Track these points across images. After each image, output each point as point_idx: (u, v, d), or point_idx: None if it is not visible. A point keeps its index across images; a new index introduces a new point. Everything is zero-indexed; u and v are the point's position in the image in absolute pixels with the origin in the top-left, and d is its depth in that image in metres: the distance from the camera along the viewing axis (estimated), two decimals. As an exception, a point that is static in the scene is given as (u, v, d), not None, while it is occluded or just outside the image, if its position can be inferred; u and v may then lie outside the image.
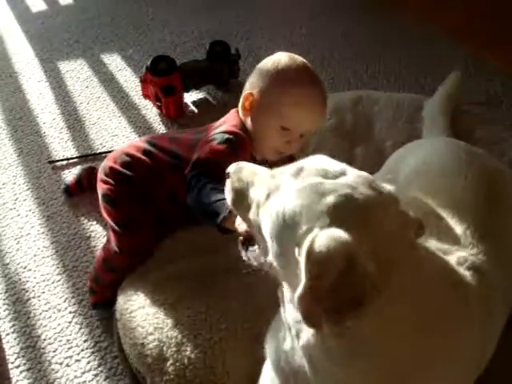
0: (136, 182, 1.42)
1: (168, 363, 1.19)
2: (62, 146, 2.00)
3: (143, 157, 1.43)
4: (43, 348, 1.38)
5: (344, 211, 0.78)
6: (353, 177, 0.84)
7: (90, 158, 1.93)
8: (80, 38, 2.67)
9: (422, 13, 2.71)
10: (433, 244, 1.02)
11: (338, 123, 1.79)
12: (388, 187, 0.87)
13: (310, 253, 0.73)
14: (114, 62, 2.47)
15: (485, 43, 2.44)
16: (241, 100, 1.40)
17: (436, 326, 0.84)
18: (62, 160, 1.93)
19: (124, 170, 1.42)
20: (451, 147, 1.37)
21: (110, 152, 1.92)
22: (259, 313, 1.19)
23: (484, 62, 2.37)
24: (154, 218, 1.43)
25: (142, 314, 1.28)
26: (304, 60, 1.40)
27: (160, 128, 2.06)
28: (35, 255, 1.60)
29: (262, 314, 1.10)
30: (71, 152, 1.97)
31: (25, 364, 1.35)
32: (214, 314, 1.25)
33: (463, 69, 2.32)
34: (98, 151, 1.96)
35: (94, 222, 1.69)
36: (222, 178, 1.11)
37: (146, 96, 2.14)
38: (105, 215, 1.45)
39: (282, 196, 0.85)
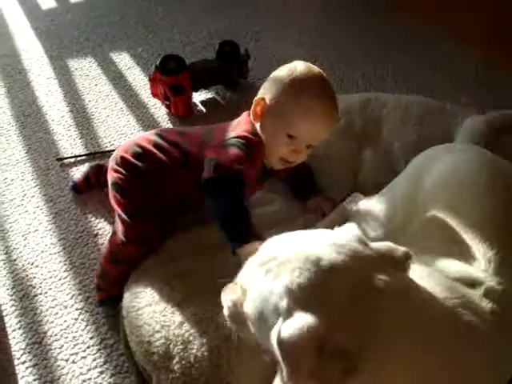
0: (146, 173, 1.42)
1: (174, 361, 1.19)
2: (70, 143, 2.00)
3: (154, 149, 1.44)
4: (49, 344, 1.39)
5: (302, 291, 0.77)
6: (323, 247, 0.82)
7: (98, 155, 1.94)
8: (89, 35, 2.67)
9: (427, 13, 2.70)
10: (455, 270, 1.01)
11: (347, 125, 1.78)
12: (375, 245, 0.86)
13: (281, 346, 0.73)
14: (123, 61, 2.47)
15: (491, 44, 2.44)
16: (253, 105, 1.40)
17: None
18: (70, 157, 1.93)
19: (135, 161, 1.43)
20: (480, 157, 1.33)
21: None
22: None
23: (492, 62, 2.36)
24: (159, 210, 1.44)
25: (149, 312, 1.29)
26: (320, 71, 1.39)
27: (168, 127, 2.06)
28: (42, 252, 1.61)
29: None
30: (79, 149, 1.97)
31: (31, 360, 1.36)
32: (220, 313, 1.25)
33: (472, 70, 2.32)
34: (106, 149, 1.96)
35: (102, 220, 1.69)
36: (241, 186, 1.29)
37: (154, 95, 2.14)
38: (113, 204, 1.45)
39: (249, 294, 0.86)
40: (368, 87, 2.27)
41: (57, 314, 1.45)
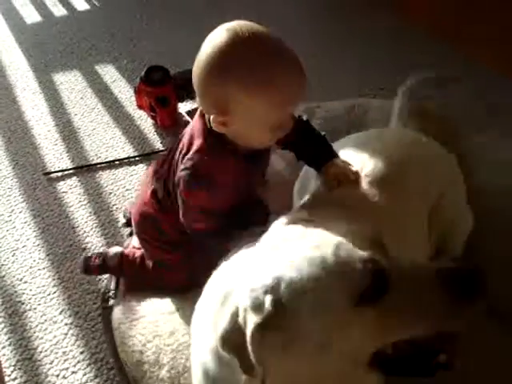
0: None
1: (164, 370, 1.22)
2: (56, 157, 2.01)
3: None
4: (40, 360, 1.39)
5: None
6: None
7: (85, 169, 1.94)
8: (74, 49, 2.68)
9: (414, 14, 2.71)
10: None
11: (332, 132, 1.79)
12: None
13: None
14: (109, 73, 2.48)
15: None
16: (212, 122, 1.12)
17: None
18: (57, 171, 1.93)
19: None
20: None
21: (104, 163, 1.94)
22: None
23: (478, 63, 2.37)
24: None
25: (143, 322, 1.32)
26: (249, 27, 1.06)
27: (154, 138, 2.07)
28: (31, 267, 1.61)
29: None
30: (66, 163, 1.97)
31: (21, 376, 1.36)
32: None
33: (462, 70, 2.33)
34: (93, 162, 1.96)
35: (90, 233, 1.69)
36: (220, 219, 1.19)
37: (140, 106, 2.15)
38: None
39: None
40: (352, 93, 2.27)
41: (46, 329, 1.45)
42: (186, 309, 1.30)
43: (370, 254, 0.81)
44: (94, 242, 1.66)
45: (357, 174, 1.20)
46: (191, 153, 1.18)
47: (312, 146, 1.31)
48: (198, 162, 1.16)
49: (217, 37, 1.05)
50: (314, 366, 0.81)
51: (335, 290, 0.78)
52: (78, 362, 1.38)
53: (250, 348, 0.77)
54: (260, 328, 0.77)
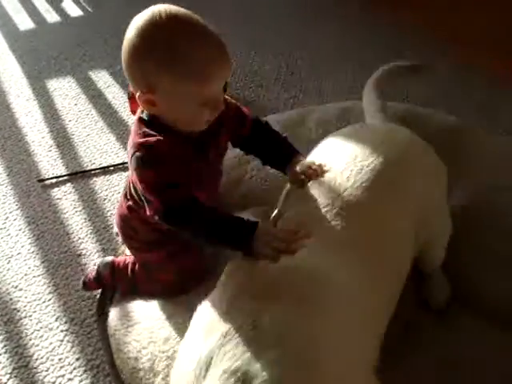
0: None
1: (159, 377, 1.21)
2: (51, 164, 2.01)
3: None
4: (35, 367, 1.38)
5: None
6: None
7: (79, 175, 1.94)
8: (68, 55, 2.68)
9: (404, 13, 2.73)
10: None
11: (326, 134, 1.79)
12: None
13: None
14: (103, 79, 2.48)
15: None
16: (139, 101, 1.17)
17: None
18: (51, 178, 1.93)
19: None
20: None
21: (99, 169, 1.94)
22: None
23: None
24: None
25: (138, 329, 1.31)
26: (171, 8, 1.12)
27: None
28: (26, 274, 1.61)
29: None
30: (61, 170, 1.97)
31: (17, 384, 1.36)
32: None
33: (453, 74, 2.34)
34: (88, 168, 1.96)
35: (85, 240, 1.69)
36: (189, 199, 1.14)
37: (134, 112, 2.14)
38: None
39: None
40: (347, 94, 2.28)
41: (42, 336, 1.45)
42: (181, 314, 1.30)
43: None
44: (89, 249, 1.66)
45: (322, 167, 1.20)
46: (136, 139, 1.19)
47: (273, 147, 1.35)
48: (143, 144, 1.17)
49: (140, 18, 1.12)
50: None
51: None
52: (74, 368, 1.37)
53: None
54: None
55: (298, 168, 1.24)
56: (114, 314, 1.39)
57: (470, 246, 1.39)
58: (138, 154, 1.16)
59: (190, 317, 1.26)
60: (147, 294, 1.40)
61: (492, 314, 1.29)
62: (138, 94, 1.14)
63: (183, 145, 1.21)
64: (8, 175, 1.97)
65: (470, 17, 2.62)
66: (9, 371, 1.38)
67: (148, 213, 1.20)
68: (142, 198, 1.21)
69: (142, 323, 1.32)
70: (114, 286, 1.49)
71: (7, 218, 1.80)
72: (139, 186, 1.19)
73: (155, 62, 1.09)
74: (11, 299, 1.54)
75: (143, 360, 1.24)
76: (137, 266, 1.44)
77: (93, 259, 1.62)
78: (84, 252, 1.66)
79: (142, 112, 1.24)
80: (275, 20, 2.93)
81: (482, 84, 2.23)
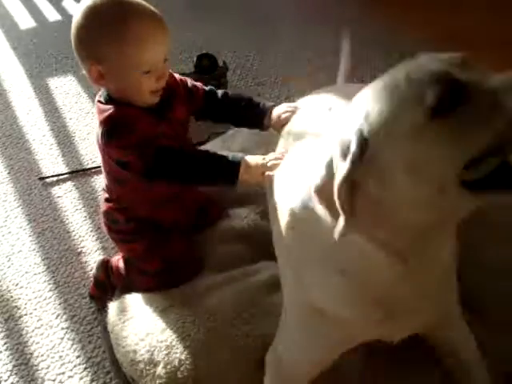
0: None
1: (159, 367, 1.22)
2: (52, 162, 2.01)
3: None
4: (36, 365, 1.39)
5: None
6: None
7: (80, 173, 1.94)
8: (69, 53, 2.66)
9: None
10: None
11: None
12: None
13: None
14: (103, 77, 2.48)
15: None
16: (88, 77, 1.28)
17: None
18: (52, 176, 1.94)
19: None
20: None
21: (100, 167, 1.93)
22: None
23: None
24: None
25: (135, 322, 1.32)
26: None
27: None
28: (27, 272, 1.61)
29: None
30: (61, 168, 1.98)
31: (18, 381, 1.36)
32: (202, 316, 1.29)
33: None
34: (88, 166, 1.97)
35: (85, 238, 1.70)
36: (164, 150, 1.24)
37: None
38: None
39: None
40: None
41: (42, 334, 1.45)
42: (176, 307, 1.32)
43: (443, 67, 0.78)
44: (90, 247, 1.67)
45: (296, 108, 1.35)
46: (99, 119, 1.30)
47: (240, 110, 1.44)
48: (108, 117, 1.26)
49: (83, 4, 1.24)
50: (404, 194, 0.80)
51: (410, 109, 0.77)
52: (75, 366, 1.38)
53: (336, 198, 0.79)
54: (347, 177, 0.78)
55: (275, 115, 1.37)
56: (112, 310, 1.39)
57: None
58: (104, 128, 1.26)
59: (186, 309, 1.30)
60: (142, 289, 1.41)
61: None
62: (87, 69, 1.25)
63: (140, 110, 1.29)
64: (9, 173, 1.98)
65: (471, 17, 2.63)
66: (9, 368, 1.39)
67: (131, 176, 1.30)
68: (118, 175, 1.34)
69: (139, 317, 1.33)
70: (112, 283, 1.50)
71: (8, 215, 1.80)
72: (115, 157, 1.28)
73: (99, 34, 1.20)
74: (12, 297, 1.55)
75: (142, 352, 1.25)
76: (125, 260, 1.47)
77: (93, 257, 1.62)
78: (84, 250, 1.66)
79: (101, 96, 1.33)
80: (276, 20, 2.93)
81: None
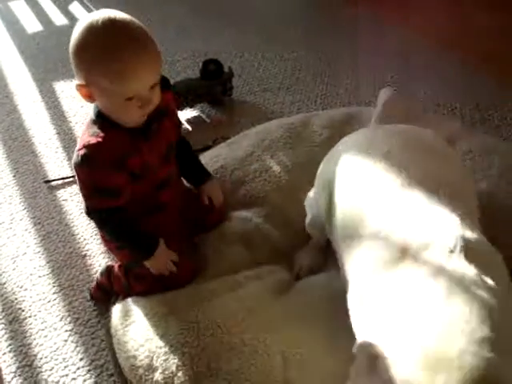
0: None
1: (157, 372, 1.23)
2: (57, 165, 2.02)
3: None
4: (39, 367, 1.39)
5: None
6: None
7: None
8: (75, 57, 2.69)
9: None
10: None
11: (328, 139, 1.80)
12: None
13: None
14: (109, 81, 2.49)
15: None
16: (78, 91, 1.30)
17: None
18: (57, 179, 1.95)
19: None
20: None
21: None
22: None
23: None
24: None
25: (136, 327, 1.32)
26: (106, 14, 1.23)
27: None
28: (31, 274, 1.62)
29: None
30: (67, 171, 1.99)
31: (21, 383, 1.36)
32: (202, 322, 1.29)
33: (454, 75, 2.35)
34: (93, 170, 1.97)
35: (90, 241, 1.71)
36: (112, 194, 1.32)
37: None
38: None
39: None
40: (351, 99, 2.29)
41: (46, 336, 1.46)
42: (176, 312, 1.33)
43: None
44: (94, 250, 1.67)
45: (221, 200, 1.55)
46: (83, 138, 1.33)
47: (190, 167, 1.57)
48: (85, 144, 1.30)
49: (84, 20, 1.26)
50: None
51: None
52: (78, 368, 1.38)
53: None
54: None
55: (206, 190, 1.53)
56: (115, 313, 1.40)
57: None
58: (80, 152, 1.29)
59: (187, 314, 1.31)
60: (140, 294, 1.42)
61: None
62: (77, 85, 1.28)
63: (126, 138, 1.32)
64: (14, 176, 1.99)
65: (472, 18, 2.64)
66: (13, 370, 1.39)
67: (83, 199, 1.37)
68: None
69: (138, 322, 1.33)
70: (111, 290, 1.51)
71: (13, 218, 1.81)
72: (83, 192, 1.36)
73: (87, 59, 1.23)
74: (16, 299, 1.56)
75: (141, 357, 1.26)
76: (123, 266, 1.48)
77: (98, 260, 1.63)
78: (89, 253, 1.67)
79: (93, 109, 1.35)
80: (281, 24, 2.95)
81: (485, 86, 2.25)
